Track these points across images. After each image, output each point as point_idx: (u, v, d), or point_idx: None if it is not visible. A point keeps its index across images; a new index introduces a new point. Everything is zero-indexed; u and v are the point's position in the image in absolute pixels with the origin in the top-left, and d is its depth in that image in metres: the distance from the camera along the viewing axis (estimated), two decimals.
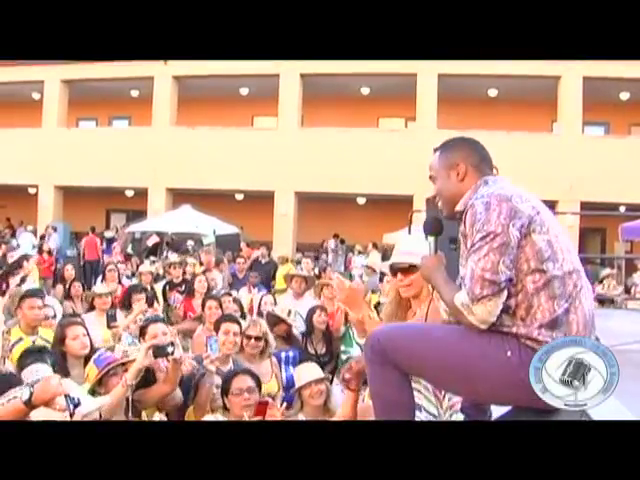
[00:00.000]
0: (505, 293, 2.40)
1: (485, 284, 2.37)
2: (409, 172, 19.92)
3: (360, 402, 3.55)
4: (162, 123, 22.96)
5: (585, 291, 2.49)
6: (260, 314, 6.89)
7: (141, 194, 23.24)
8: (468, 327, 2.47)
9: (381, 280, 8.08)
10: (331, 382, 5.10)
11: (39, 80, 23.20)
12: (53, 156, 22.81)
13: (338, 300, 4.19)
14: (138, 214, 22.95)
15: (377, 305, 6.56)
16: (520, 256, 2.42)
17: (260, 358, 5.27)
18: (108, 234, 21.37)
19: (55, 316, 6.56)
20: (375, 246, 19.25)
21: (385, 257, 16.40)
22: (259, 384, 4.30)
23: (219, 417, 4.04)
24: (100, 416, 3.51)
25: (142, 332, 4.96)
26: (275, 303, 7.55)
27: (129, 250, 18.79)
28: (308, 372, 4.50)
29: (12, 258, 12.03)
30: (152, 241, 18.78)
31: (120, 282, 9.56)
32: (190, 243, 17.43)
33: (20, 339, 5.22)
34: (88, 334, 4.79)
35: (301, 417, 4.33)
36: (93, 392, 3.95)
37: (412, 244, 3.31)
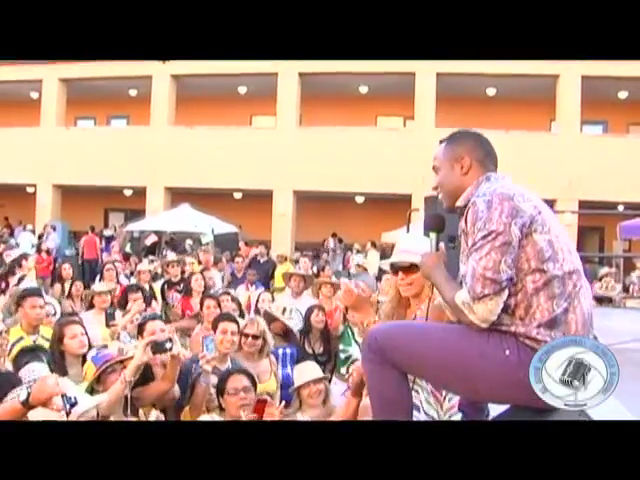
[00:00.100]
0: (506, 292, 2.40)
1: (486, 283, 2.36)
2: (407, 171, 19.96)
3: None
4: (160, 122, 22.96)
5: (584, 290, 2.49)
6: (257, 312, 6.89)
7: (139, 193, 23.24)
8: (468, 326, 2.46)
9: (379, 279, 8.06)
10: (330, 381, 5.10)
11: (37, 79, 23.19)
12: (51, 155, 22.79)
13: (346, 304, 4.21)
14: (136, 213, 22.95)
15: (376, 304, 6.55)
16: (521, 256, 2.42)
17: (259, 356, 5.26)
18: (107, 233, 21.36)
19: (56, 314, 6.57)
20: (374, 245, 19.25)
21: (384, 256, 16.40)
22: (254, 383, 4.29)
23: (215, 417, 4.04)
24: (98, 414, 3.50)
25: (140, 330, 4.97)
26: (273, 301, 7.55)
27: (127, 249, 18.79)
28: (307, 371, 4.49)
29: (9, 257, 12.03)
30: (150, 240, 18.78)
31: (118, 281, 9.57)
32: (189, 242, 17.45)
33: (21, 338, 5.21)
34: (86, 333, 4.79)
35: (299, 416, 4.33)
36: (91, 390, 3.94)
37: (413, 243, 3.30)
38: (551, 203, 16.87)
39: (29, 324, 5.35)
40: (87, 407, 3.28)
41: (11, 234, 22.15)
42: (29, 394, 2.90)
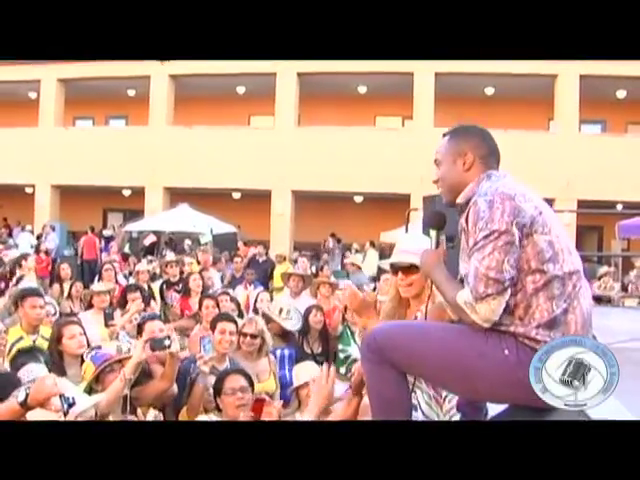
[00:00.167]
0: (509, 292, 2.39)
1: (489, 283, 2.35)
2: (406, 171, 19.97)
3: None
4: (159, 122, 22.95)
5: (584, 291, 2.48)
6: (256, 311, 6.89)
7: (138, 193, 23.22)
8: (469, 326, 2.46)
9: (378, 279, 8.07)
10: None
11: (35, 79, 23.16)
12: (50, 155, 22.77)
13: (350, 309, 4.19)
14: (135, 213, 22.95)
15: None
16: (521, 256, 2.40)
17: (257, 356, 5.26)
18: (107, 233, 21.36)
19: (56, 314, 6.57)
20: (372, 245, 19.26)
21: (382, 256, 16.41)
22: (252, 383, 4.29)
23: (213, 418, 4.03)
24: (96, 414, 3.50)
25: (139, 330, 4.99)
26: (271, 301, 7.56)
27: (126, 249, 18.79)
28: (306, 371, 4.49)
29: (7, 257, 12.05)
30: (149, 240, 18.79)
31: (117, 281, 9.57)
32: (187, 242, 17.45)
33: (20, 338, 5.21)
34: (85, 333, 4.79)
35: (298, 416, 4.33)
36: (90, 390, 3.95)
37: (413, 243, 3.29)
38: (550, 202, 16.73)
39: (29, 324, 5.35)
40: (85, 407, 3.28)
41: (10, 234, 22.14)
42: (27, 395, 2.90)
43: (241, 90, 23.91)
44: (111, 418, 3.77)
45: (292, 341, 6.04)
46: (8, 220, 24.58)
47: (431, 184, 2.82)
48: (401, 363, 2.62)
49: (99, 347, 4.74)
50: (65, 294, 8.61)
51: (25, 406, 2.91)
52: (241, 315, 6.63)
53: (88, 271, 17.27)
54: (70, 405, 2.95)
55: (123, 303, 7.22)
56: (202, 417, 4.06)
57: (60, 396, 2.93)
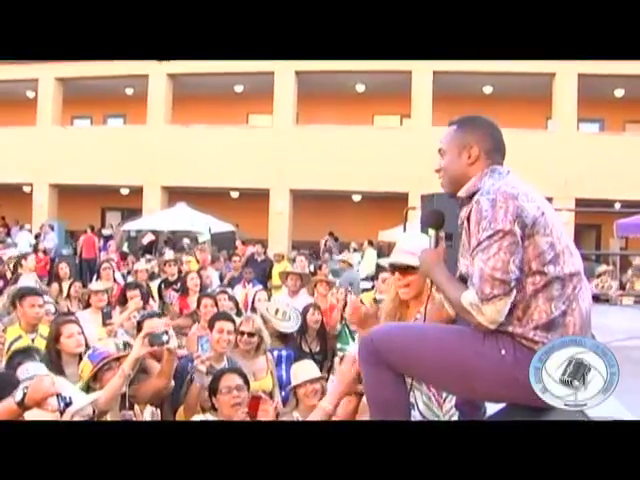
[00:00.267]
0: (514, 292, 2.36)
1: (495, 284, 2.32)
2: (404, 169, 19.99)
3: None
4: (157, 121, 22.94)
5: (584, 292, 2.47)
6: (254, 310, 6.88)
7: (136, 192, 23.20)
8: (469, 326, 2.44)
9: (376, 277, 8.07)
10: (327, 380, 5.09)
11: (33, 78, 23.12)
12: (48, 154, 22.74)
13: (350, 321, 4.18)
14: (133, 212, 22.92)
15: (373, 302, 6.55)
16: (522, 257, 2.38)
17: (255, 354, 5.26)
18: (106, 232, 21.33)
19: (55, 313, 6.57)
20: (371, 243, 19.25)
21: (381, 255, 16.42)
22: (247, 382, 4.29)
23: (209, 417, 4.03)
24: (94, 412, 3.49)
25: (139, 328, 4.99)
26: (269, 300, 7.55)
27: (125, 248, 18.77)
28: (304, 371, 4.48)
29: (5, 256, 12.05)
30: (147, 239, 18.76)
31: (115, 280, 9.56)
32: (186, 241, 17.44)
33: (19, 337, 5.21)
34: (83, 332, 4.79)
35: (296, 415, 4.33)
36: (87, 388, 3.95)
37: (415, 244, 3.26)
38: (548, 201, 16.85)
39: (28, 323, 5.35)
40: (81, 405, 3.28)
41: (8, 234, 22.11)
42: (25, 394, 2.90)
43: (239, 89, 23.89)
44: (109, 416, 3.76)
45: (290, 341, 6.03)
46: (6, 219, 24.55)
47: (429, 183, 2.82)
48: (398, 364, 2.60)
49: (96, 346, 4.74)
50: (64, 293, 8.60)
51: (22, 406, 2.90)
52: (239, 314, 6.62)
53: (87, 270, 17.26)
54: (67, 405, 2.95)
55: (123, 301, 7.22)
56: (198, 417, 4.06)
57: (57, 396, 2.92)
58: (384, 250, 18.19)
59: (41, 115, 23.69)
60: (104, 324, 6.61)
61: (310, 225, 22.40)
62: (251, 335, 5.21)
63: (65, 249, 21.13)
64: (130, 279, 10.30)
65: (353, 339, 6.19)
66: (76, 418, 3.01)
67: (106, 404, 3.71)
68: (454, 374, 2.53)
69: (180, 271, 9.69)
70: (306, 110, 22.93)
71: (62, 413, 2.93)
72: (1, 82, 23.35)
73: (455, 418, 3.21)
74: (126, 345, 5.03)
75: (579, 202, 19.10)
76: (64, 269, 10.09)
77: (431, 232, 2.77)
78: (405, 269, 3.29)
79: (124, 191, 24.39)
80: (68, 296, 8.32)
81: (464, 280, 2.55)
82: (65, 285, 8.98)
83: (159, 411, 3.80)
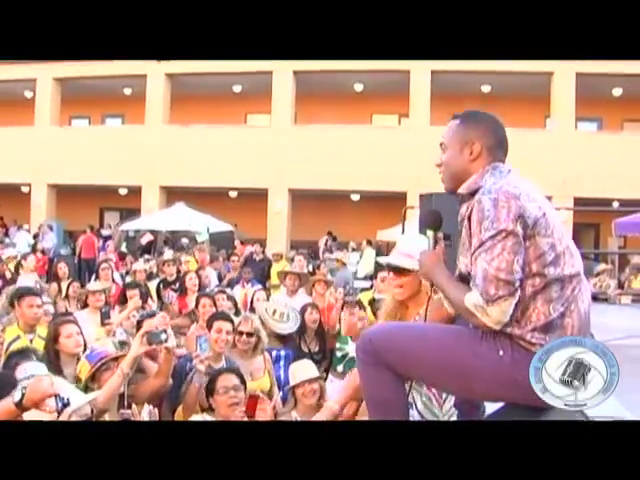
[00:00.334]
0: (519, 293, 2.34)
1: (500, 284, 2.30)
2: (403, 169, 19.99)
3: None
4: (155, 121, 22.92)
5: (583, 293, 2.45)
6: (253, 310, 6.88)
7: (135, 192, 23.20)
8: (476, 327, 2.41)
9: (375, 277, 8.07)
10: (325, 380, 5.09)
11: (31, 78, 23.09)
12: (46, 155, 22.72)
13: (345, 333, 4.20)
14: (132, 212, 22.89)
15: (372, 301, 6.56)
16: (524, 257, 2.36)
17: (252, 354, 5.25)
18: (105, 232, 21.31)
19: (54, 313, 6.57)
20: (369, 243, 19.24)
21: (379, 254, 16.41)
22: (244, 382, 4.29)
23: (207, 417, 4.03)
24: (92, 411, 3.49)
25: (138, 327, 4.99)
26: (267, 300, 7.55)
27: (123, 248, 18.75)
28: (303, 371, 4.48)
29: (4, 255, 12.07)
30: (146, 239, 18.74)
31: (114, 280, 9.56)
32: (184, 241, 17.43)
33: (17, 337, 5.20)
34: (81, 332, 4.79)
35: (294, 415, 4.33)
36: (86, 388, 3.94)
37: (412, 247, 3.26)
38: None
39: (26, 323, 5.34)
40: (79, 404, 3.27)
41: (6, 234, 22.09)
42: (23, 395, 2.89)
43: (237, 88, 23.88)
44: (107, 416, 3.76)
45: (290, 341, 6.03)
46: (4, 219, 24.53)
47: (428, 182, 2.82)
48: (396, 364, 2.59)
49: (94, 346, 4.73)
50: (63, 294, 8.60)
51: (21, 406, 2.90)
52: (238, 313, 6.62)
53: (86, 270, 17.24)
54: (64, 405, 2.94)
55: (123, 301, 7.22)
56: (196, 417, 4.06)
57: (55, 396, 2.92)
58: (383, 249, 18.19)
59: (39, 115, 23.67)
60: (102, 324, 6.60)
61: (309, 225, 22.41)
62: (249, 335, 5.21)
63: (63, 249, 21.11)
64: (128, 279, 10.30)
65: (352, 339, 6.19)
66: (74, 418, 3.00)
67: (105, 403, 3.71)
68: (452, 374, 2.52)
69: (179, 271, 9.69)
70: (304, 110, 22.93)
71: (59, 413, 2.93)
72: None
73: (454, 418, 3.21)
74: (122, 344, 5.03)
75: (577, 201, 19.10)
76: (63, 269, 10.10)
77: (429, 233, 2.75)
78: (400, 271, 3.31)
79: (122, 191, 24.38)
80: (66, 296, 8.32)
81: (464, 279, 2.54)
82: (64, 285, 8.99)
83: (157, 410, 3.79)
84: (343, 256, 14.38)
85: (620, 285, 16.79)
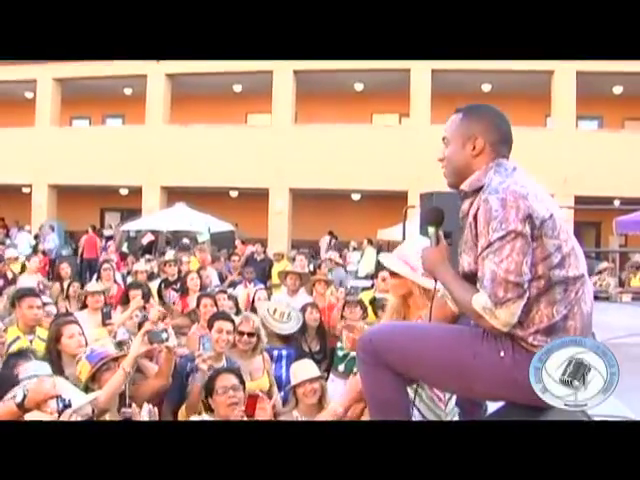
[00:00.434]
0: (527, 294, 2.31)
1: (509, 287, 2.26)
2: (403, 168, 19.99)
3: None
4: (156, 121, 22.92)
5: (586, 294, 2.43)
6: (254, 309, 6.88)
7: (135, 192, 23.20)
8: (489, 330, 2.38)
9: (376, 276, 8.06)
10: (326, 380, 5.09)
11: (32, 79, 23.12)
12: (47, 155, 22.74)
13: (348, 349, 4.23)
14: (132, 212, 22.90)
15: (372, 301, 6.56)
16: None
17: (252, 354, 5.25)
18: (107, 232, 21.31)
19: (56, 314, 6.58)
20: (370, 242, 19.24)
21: (380, 253, 16.41)
22: (243, 382, 4.29)
23: (205, 417, 4.03)
24: (93, 411, 3.49)
25: (140, 328, 4.99)
26: (269, 298, 7.56)
27: (124, 249, 18.76)
28: (304, 370, 4.48)
29: (5, 255, 12.09)
30: (147, 239, 18.75)
31: (115, 281, 9.56)
32: (185, 241, 17.44)
33: (17, 338, 5.20)
34: (83, 333, 4.79)
35: (295, 414, 4.33)
36: (86, 388, 3.95)
37: (411, 253, 3.26)
38: None
39: (26, 324, 5.34)
40: (80, 404, 3.28)
41: (7, 234, 22.10)
42: (25, 396, 2.89)
43: (238, 88, 23.89)
44: (108, 416, 3.76)
45: (291, 341, 6.02)
46: (5, 220, 24.54)
47: (428, 181, 2.81)
48: (397, 364, 2.58)
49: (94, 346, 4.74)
50: (64, 294, 8.61)
51: (22, 407, 2.90)
52: (239, 313, 6.62)
53: (87, 269, 17.25)
54: (66, 406, 2.94)
55: (125, 301, 7.23)
56: (195, 417, 4.07)
57: (57, 398, 2.92)
58: (384, 249, 18.18)
59: (40, 116, 23.68)
60: (104, 324, 6.61)
61: (309, 224, 22.41)
62: (250, 335, 5.21)
63: (65, 249, 21.12)
64: (129, 279, 10.31)
65: None
66: (74, 418, 3.00)
67: (106, 403, 3.72)
68: (453, 374, 2.51)
69: (180, 271, 9.70)
70: (305, 109, 22.93)
71: (60, 414, 2.93)
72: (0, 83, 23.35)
73: (457, 418, 3.21)
74: (120, 344, 5.04)
75: (578, 199, 19.09)
76: (65, 269, 10.11)
77: (431, 230, 2.69)
78: (393, 272, 3.34)
79: (123, 191, 24.39)
80: (67, 297, 8.32)
81: (466, 278, 2.51)
82: (66, 285, 8.99)
83: (156, 409, 3.79)
84: (336, 256, 14.35)
85: (621, 283, 16.77)
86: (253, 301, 7.51)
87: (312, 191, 22.00)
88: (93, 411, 3.49)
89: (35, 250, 17.32)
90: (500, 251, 2.28)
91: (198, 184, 22.02)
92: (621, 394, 2.33)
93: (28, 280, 9.45)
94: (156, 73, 22.35)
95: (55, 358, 4.53)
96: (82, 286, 8.56)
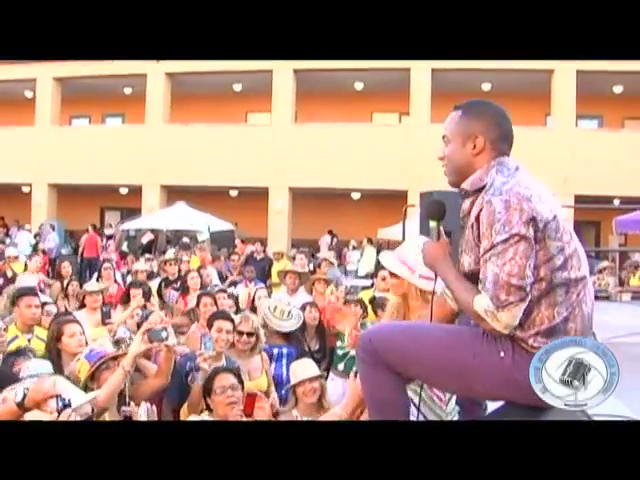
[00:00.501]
0: (529, 297, 2.29)
1: (511, 290, 2.25)
2: (403, 167, 20.00)
3: None
4: (156, 120, 22.92)
5: (587, 296, 2.42)
6: (253, 309, 6.88)
7: (135, 191, 23.20)
8: (490, 332, 2.37)
9: (375, 275, 8.07)
10: (326, 379, 5.09)
11: (31, 78, 23.11)
12: (46, 154, 22.74)
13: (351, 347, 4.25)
14: (132, 212, 22.91)
15: (372, 300, 6.56)
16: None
17: (250, 353, 5.24)
18: (108, 231, 21.32)
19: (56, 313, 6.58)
20: (370, 241, 19.26)
21: (380, 252, 16.41)
22: (241, 381, 4.29)
23: (205, 417, 4.04)
24: (93, 410, 3.49)
25: (138, 327, 4.99)
26: (269, 297, 7.56)
27: (124, 248, 18.76)
28: (304, 369, 4.49)
29: (5, 254, 12.11)
30: (146, 238, 18.76)
31: (115, 280, 9.56)
32: (185, 240, 17.46)
33: (15, 337, 5.21)
34: (84, 332, 4.79)
35: (295, 413, 4.33)
36: (85, 388, 3.95)
37: (410, 255, 3.26)
38: None
39: (24, 323, 5.35)
40: (79, 403, 3.28)
41: (7, 233, 22.10)
42: (25, 395, 2.89)
43: (238, 87, 23.88)
44: (107, 415, 3.76)
45: (292, 339, 6.02)
46: (5, 219, 24.54)
47: (428, 180, 2.81)
48: (397, 364, 2.57)
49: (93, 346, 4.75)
50: (63, 292, 8.61)
51: (22, 407, 2.90)
52: (239, 312, 6.62)
53: (87, 268, 17.25)
54: (65, 406, 2.94)
55: (126, 300, 7.24)
56: (193, 417, 4.07)
57: (57, 397, 2.92)
58: (383, 248, 18.18)
59: (39, 115, 23.69)
60: (104, 323, 6.61)
61: (309, 223, 22.42)
62: (250, 335, 5.20)
63: (64, 248, 21.12)
64: (129, 279, 10.31)
65: None
66: (73, 417, 3.01)
67: (105, 402, 3.71)
68: (452, 374, 2.50)
69: (180, 270, 9.70)
70: (305, 108, 22.93)
71: (59, 413, 2.93)
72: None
73: (457, 417, 3.21)
74: (119, 342, 5.04)
75: (578, 199, 19.08)
76: (67, 268, 10.13)
77: (432, 224, 2.65)
78: (392, 272, 3.35)
79: (123, 190, 24.39)
80: (66, 295, 8.33)
81: (466, 277, 2.49)
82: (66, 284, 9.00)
83: (155, 408, 3.79)
84: (331, 255, 14.38)
85: (621, 282, 16.79)
86: (253, 300, 7.51)
87: (312, 190, 22.00)
88: (93, 410, 3.49)
89: (35, 249, 17.31)
90: (503, 254, 2.27)
91: (198, 183, 22.02)
92: (621, 393, 2.33)
93: (28, 279, 9.45)
94: (156, 72, 22.34)
95: (55, 357, 4.53)
96: (81, 285, 8.57)
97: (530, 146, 19.05)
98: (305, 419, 4.20)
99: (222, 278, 11.78)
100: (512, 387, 2.39)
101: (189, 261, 11.62)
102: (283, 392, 4.88)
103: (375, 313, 6.29)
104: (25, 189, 24.07)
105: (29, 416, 2.94)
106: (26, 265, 11.08)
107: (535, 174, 2.52)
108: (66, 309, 7.64)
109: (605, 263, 17.00)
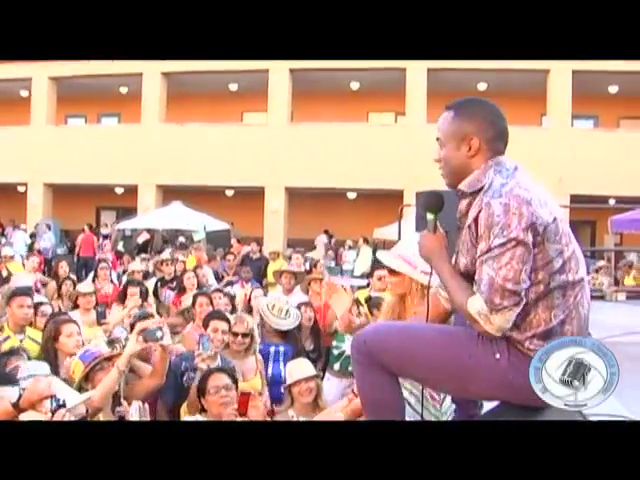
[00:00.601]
0: (524, 302, 2.28)
1: (505, 294, 2.24)
2: (399, 166, 20.00)
3: None
4: (151, 120, 22.89)
5: (584, 298, 2.42)
6: (250, 309, 6.88)
7: (131, 191, 23.16)
8: (482, 333, 2.36)
9: (371, 274, 8.07)
10: (322, 378, 5.09)
11: (27, 77, 23.06)
12: (42, 154, 22.68)
13: (344, 331, 4.24)
14: (128, 211, 22.89)
15: (368, 299, 6.56)
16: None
17: (245, 354, 5.23)
18: (104, 231, 21.29)
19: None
20: (366, 241, 19.25)
21: (376, 252, 16.41)
22: (235, 381, 4.29)
23: (199, 418, 4.03)
24: (87, 410, 3.49)
25: (132, 328, 4.98)
26: (265, 296, 7.55)
27: (120, 247, 18.73)
28: (299, 369, 4.49)
29: (1, 253, 12.09)
30: (142, 238, 18.73)
31: (111, 280, 9.55)
32: (181, 239, 17.45)
33: (7, 337, 5.20)
34: (80, 332, 4.78)
35: (291, 413, 4.33)
36: (79, 389, 3.95)
37: (410, 251, 3.26)
38: None
39: (15, 323, 5.34)
40: (73, 403, 3.27)
41: (2, 233, 22.05)
42: (20, 395, 2.89)
43: (234, 87, 23.86)
44: (101, 415, 3.76)
45: (289, 338, 6.02)
46: (1, 219, 24.47)
47: (424, 180, 2.80)
48: (391, 364, 2.57)
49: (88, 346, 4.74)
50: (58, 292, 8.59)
51: (17, 407, 2.89)
52: (235, 311, 6.62)
53: (83, 268, 17.21)
54: (60, 406, 2.94)
55: (122, 299, 7.23)
56: (188, 417, 4.07)
57: (51, 397, 2.91)
58: (379, 248, 18.19)
59: (35, 114, 23.63)
60: (99, 323, 6.60)
61: (305, 223, 22.41)
62: (244, 336, 5.19)
63: (60, 248, 21.08)
64: (125, 278, 10.31)
65: (348, 337, 6.18)
66: (67, 417, 3.00)
67: (100, 402, 3.71)
68: (447, 374, 2.50)
69: (176, 270, 9.70)
70: (301, 108, 22.92)
71: (54, 414, 2.92)
72: None
73: (452, 417, 3.22)
74: (113, 342, 5.03)
75: (574, 198, 19.10)
76: (64, 267, 10.11)
77: (430, 216, 2.61)
78: (392, 270, 3.34)
79: (119, 190, 24.35)
80: (59, 295, 8.31)
81: (463, 277, 2.48)
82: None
83: (147, 406, 3.78)
84: (321, 256, 14.43)
85: (616, 282, 16.81)
86: (249, 300, 7.50)
87: (308, 190, 22.00)
88: (87, 411, 3.48)
89: (31, 249, 17.26)
90: (499, 258, 2.25)
91: (194, 183, 22.00)
92: (618, 393, 2.32)
93: (24, 278, 9.43)
94: (152, 72, 22.31)
95: (52, 357, 4.52)
96: (75, 285, 8.56)
97: (526, 146, 19.05)
98: (301, 419, 4.21)
99: (218, 278, 11.78)
100: (507, 388, 2.39)
101: (185, 261, 11.61)
102: (283, 390, 4.87)
103: (371, 313, 6.28)
104: (21, 189, 24.01)
105: (24, 416, 2.94)
106: (24, 265, 11.06)
107: (531, 174, 2.51)
108: (60, 309, 7.63)
109: (601, 263, 17.02)
